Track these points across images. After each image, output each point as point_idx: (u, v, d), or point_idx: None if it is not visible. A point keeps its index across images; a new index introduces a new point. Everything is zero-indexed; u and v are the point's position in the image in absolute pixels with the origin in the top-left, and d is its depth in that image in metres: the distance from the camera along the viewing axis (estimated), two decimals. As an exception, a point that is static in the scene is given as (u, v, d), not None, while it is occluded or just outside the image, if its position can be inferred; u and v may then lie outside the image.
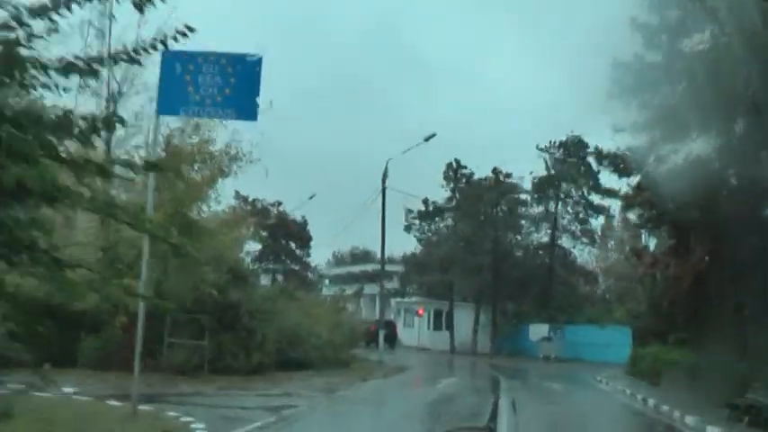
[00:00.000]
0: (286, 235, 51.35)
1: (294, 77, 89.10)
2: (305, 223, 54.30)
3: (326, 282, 78.17)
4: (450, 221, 53.19)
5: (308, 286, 49.27)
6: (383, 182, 35.33)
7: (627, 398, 23.09)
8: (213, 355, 22.81)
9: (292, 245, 53.79)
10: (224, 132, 22.89)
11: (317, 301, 32.23)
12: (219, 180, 23.69)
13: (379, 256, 75.72)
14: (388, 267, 62.91)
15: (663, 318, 28.22)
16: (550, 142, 51.71)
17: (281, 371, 24.45)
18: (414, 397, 21.33)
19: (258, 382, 21.84)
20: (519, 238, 51.96)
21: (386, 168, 35.35)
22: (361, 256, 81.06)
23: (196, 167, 23.10)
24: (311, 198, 49.20)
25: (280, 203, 50.25)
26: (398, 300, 58.26)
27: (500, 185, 49.40)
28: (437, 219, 53.59)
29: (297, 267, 53.69)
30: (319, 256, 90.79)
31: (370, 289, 63.94)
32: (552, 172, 51.17)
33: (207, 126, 22.51)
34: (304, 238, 53.62)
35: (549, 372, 36.30)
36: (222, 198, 25.39)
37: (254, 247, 50.19)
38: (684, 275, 20.02)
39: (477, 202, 49.39)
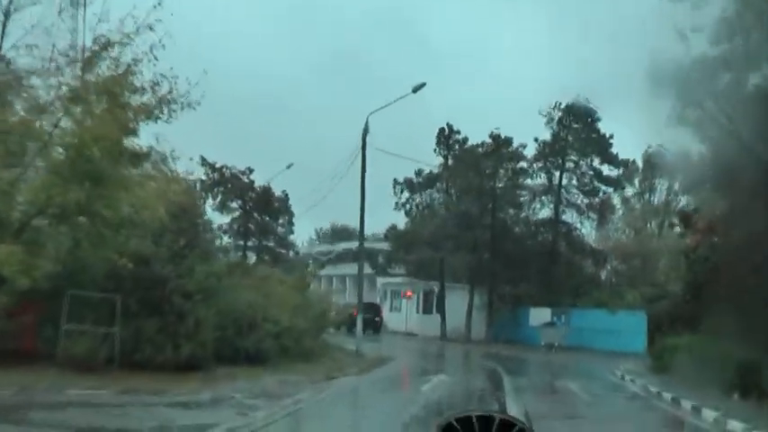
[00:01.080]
0: (260, 207, 45.77)
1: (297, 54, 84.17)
2: (286, 198, 48.58)
3: (310, 262, 72.91)
4: (442, 193, 47.72)
5: (286, 266, 43.90)
6: (363, 139, 29.93)
7: (670, 406, 17.74)
8: (131, 345, 17.45)
9: (269, 219, 48.09)
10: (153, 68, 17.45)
11: (276, 279, 26.83)
12: (142, 121, 18.15)
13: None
14: (374, 245, 57.68)
15: (700, 301, 23.11)
16: (555, 104, 46.20)
17: (226, 365, 19.14)
18: (388, 407, 15.85)
19: (187, 381, 16.55)
20: (519, 212, 46.51)
21: (366, 124, 29.93)
22: (344, 234, 76.70)
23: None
24: (289, 167, 43.72)
25: (251, 171, 44.80)
26: (384, 280, 52.86)
27: (498, 151, 43.92)
28: (428, 190, 48.10)
29: (272, 244, 48.08)
30: (303, 233, 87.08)
31: (351, 269, 58.64)
32: (561, 134, 45.70)
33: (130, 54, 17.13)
34: (281, 212, 47.92)
35: (557, 364, 31.12)
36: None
37: (222, 219, 44.88)
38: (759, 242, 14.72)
39: (473, 170, 43.96)
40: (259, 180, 45.83)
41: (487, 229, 44.37)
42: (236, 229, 45.68)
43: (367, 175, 29.78)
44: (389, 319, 52.12)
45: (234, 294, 21.52)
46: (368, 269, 54.39)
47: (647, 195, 54.14)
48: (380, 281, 53.79)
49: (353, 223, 77.91)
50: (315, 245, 74.72)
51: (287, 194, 47.23)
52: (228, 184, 44.77)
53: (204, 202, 44.11)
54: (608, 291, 43.50)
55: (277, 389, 16.63)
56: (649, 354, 30.59)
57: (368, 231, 73.00)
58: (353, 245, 60.35)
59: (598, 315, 40.84)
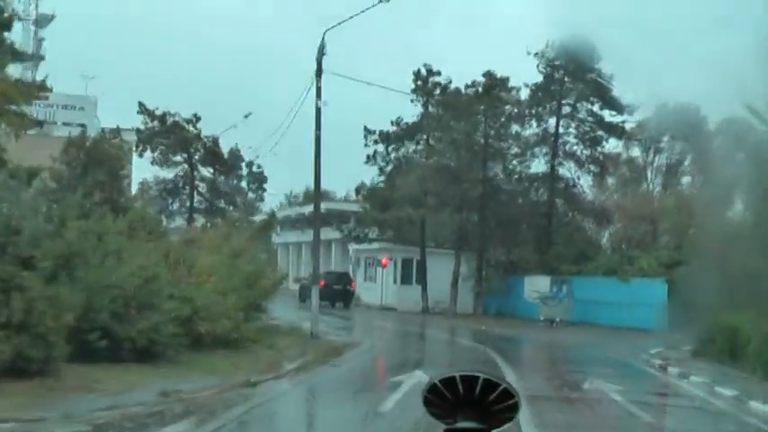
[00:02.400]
0: (207, 162, 38.81)
1: None
2: (238, 152, 41.59)
3: (278, 229, 66.57)
4: (422, 144, 40.95)
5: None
6: (318, 62, 23.20)
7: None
8: None
9: (223, 177, 41.09)
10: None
11: (208, 241, 20.18)
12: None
13: (336, 195, 64.09)
14: (346, 207, 51.05)
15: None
16: (547, 44, 39.18)
17: (94, 364, 12.68)
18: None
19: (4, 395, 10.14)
20: (512, 165, 39.90)
21: (322, 41, 23.18)
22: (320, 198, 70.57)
23: None
24: (247, 117, 36.83)
25: (197, 119, 37.84)
26: (358, 247, 46.29)
27: (490, 94, 37.17)
28: (405, 142, 41.25)
29: (228, 206, 41.12)
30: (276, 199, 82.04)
31: (325, 234, 52.01)
32: (556, 75, 38.94)
33: None
34: (232, 168, 40.92)
35: (566, 347, 24.92)
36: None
37: (159, 173, 38.11)
38: None
39: (457, 116, 37.26)
40: (214, 133, 39.00)
41: (476, 184, 37.76)
42: (179, 187, 38.88)
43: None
44: (364, 290, 45.73)
45: (121, 264, 14.92)
46: (336, 234, 47.95)
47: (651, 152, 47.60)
48: (354, 247, 47.22)
49: (329, 185, 71.60)
50: (285, 209, 67.81)
51: (238, 148, 40.32)
52: (171, 134, 37.83)
53: (139, 153, 37.44)
54: (617, 256, 37.09)
55: (130, 413, 10.14)
56: (679, 331, 24.58)
57: (340, 192, 66.57)
58: (323, 206, 53.80)
59: (605, 284, 34.59)
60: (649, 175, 48.15)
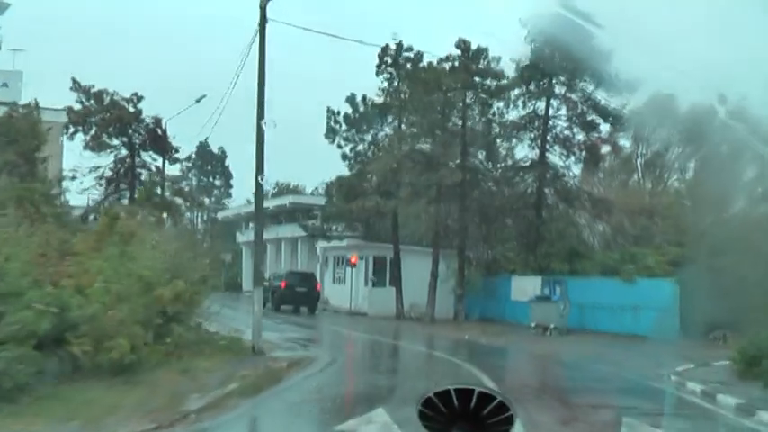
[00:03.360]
0: (149, 145, 33.85)
1: None
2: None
3: (244, 226, 61.86)
4: (390, 129, 36.21)
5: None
6: (263, 10, 18.54)
7: None
8: None
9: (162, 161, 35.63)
10: None
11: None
12: None
13: (305, 189, 59.24)
14: (314, 201, 46.32)
15: None
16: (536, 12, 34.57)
17: None
18: None
19: None
20: (496, 150, 35.34)
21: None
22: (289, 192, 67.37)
23: None
24: (199, 101, 31.86)
25: (139, 98, 32.97)
26: (325, 245, 41.61)
27: (468, 67, 32.60)
28: (375, 124, 36.52)
29: (175, 198, 36.15)
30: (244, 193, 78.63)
31: (288, 231, 47.36)
32: (546, 51, 34.37)
33: None
34: (168, 151, 35.49)
35: (571, 362, 20.56)
36: None
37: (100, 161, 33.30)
38: None
39: (428, 92, 32.57)
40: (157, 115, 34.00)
41: (455, 171, 33.12)
42: (120, 175, 33.94)
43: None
44: (332, 293, 41.10)
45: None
46: (299, 231, 43.37)
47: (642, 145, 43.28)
48: (321, 245, 42.54)
49: (298, 179, 66.89)
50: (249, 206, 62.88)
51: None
52: (107, 113, 32.90)
53: (70, 136, 32.55)
54: (617, 253, 32.62)
55: None
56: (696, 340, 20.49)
57: (309, 187, 61.69)
58: (288, 200, 49.09)
59: (605, 285, 30.27)
60: (639, 165, 44.03)
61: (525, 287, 32.48)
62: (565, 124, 36.45)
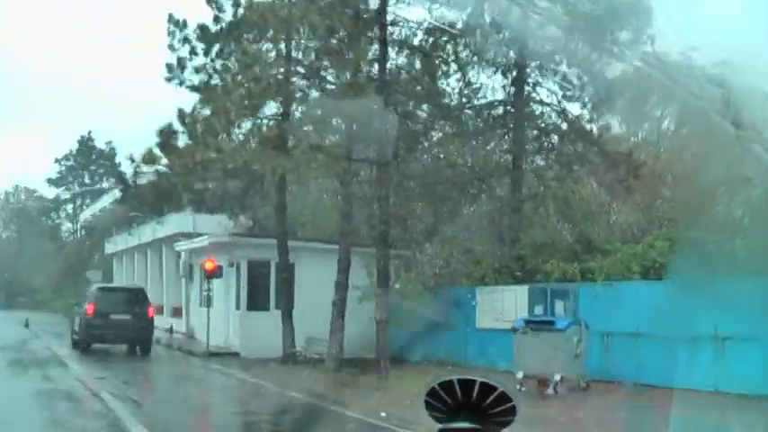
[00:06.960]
0: None
1: None
2: None
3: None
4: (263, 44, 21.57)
5: None
6: None
7: None
8: None
9: None
10: None
11: None
12: None
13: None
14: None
15: None
16: None
17: None
18: None
19: None
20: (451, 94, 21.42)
21: None
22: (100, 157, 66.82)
23: None
24: None
25: None
26: (188, 245, 27.11)
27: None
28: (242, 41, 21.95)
29: None
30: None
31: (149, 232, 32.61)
32: None
33: None
34: None
35: None
36: None
37: None
38: None
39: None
40: None
41: (374, 116, 18.95)
42: None
43: None
44: (200, 322, 26.36)
45: None
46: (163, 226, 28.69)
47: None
48: (181, 248, 27.94)
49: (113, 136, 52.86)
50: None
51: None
52: None
53: None
54: (660, 240, 18.82)
55: None
56: None
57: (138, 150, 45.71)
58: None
59: (651, 293, 16.49)
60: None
61: (501, 305, 18.78)
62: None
